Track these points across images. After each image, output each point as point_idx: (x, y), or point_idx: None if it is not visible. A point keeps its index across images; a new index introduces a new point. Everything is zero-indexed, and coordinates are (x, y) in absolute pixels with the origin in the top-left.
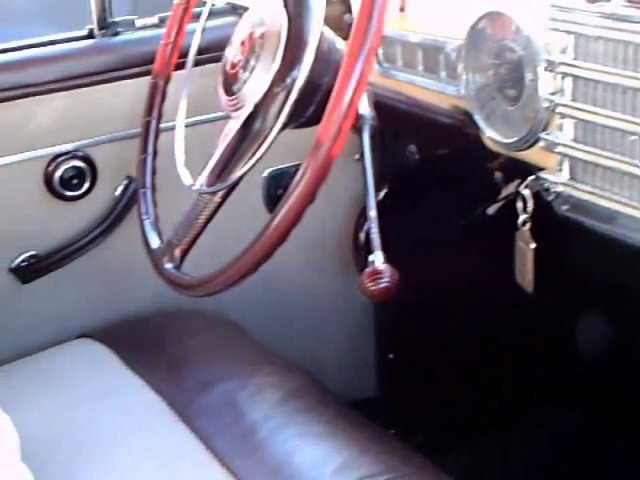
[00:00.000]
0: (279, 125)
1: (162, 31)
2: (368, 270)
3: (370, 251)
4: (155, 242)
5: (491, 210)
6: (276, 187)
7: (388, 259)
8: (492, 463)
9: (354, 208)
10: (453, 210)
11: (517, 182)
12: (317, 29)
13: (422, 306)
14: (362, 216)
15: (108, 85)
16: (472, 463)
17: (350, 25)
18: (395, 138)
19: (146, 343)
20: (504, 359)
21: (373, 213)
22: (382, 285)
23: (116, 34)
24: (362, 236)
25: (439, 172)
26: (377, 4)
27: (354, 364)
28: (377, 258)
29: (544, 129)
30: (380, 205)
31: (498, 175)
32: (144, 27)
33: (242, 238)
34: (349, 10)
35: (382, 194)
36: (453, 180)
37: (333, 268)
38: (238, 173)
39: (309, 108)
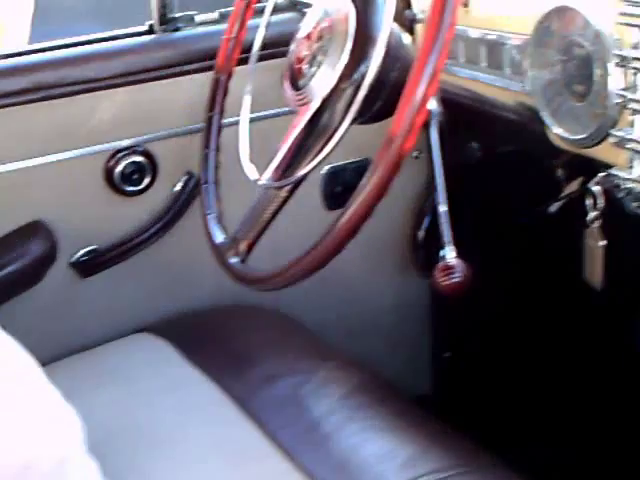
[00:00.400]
0: (348, 121)
1: (222, 27)
2: (440, 265)
3: (429, 248)
4: (219, 237)
5: (553, 208)
6: (335, 184)
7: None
8: (551, 464)
9: (411, 206)
10: (514, 208)
11: (581, 180)
12: (388, 25)
13: (481, 304)
14: (420, 214)
15: (168, 80)
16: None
17: (411, 21)
18: (456, 135)
19: (206, 337)
20: (566, 360)
21: (443, 208)
22: (455, 280)
23: (176, 30)
24: (420, 234)
25: (501, 170)
26: None
27: (410, 361)
28: (449, 253)
29: (613, 125)
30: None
31: (560, 172)
32: (204, 23)
33: (300, 233)
34: (409, 6)
35: None
36: (514, 178)
37: (391, 265)
38: (305, 168)
39: (376, 104)
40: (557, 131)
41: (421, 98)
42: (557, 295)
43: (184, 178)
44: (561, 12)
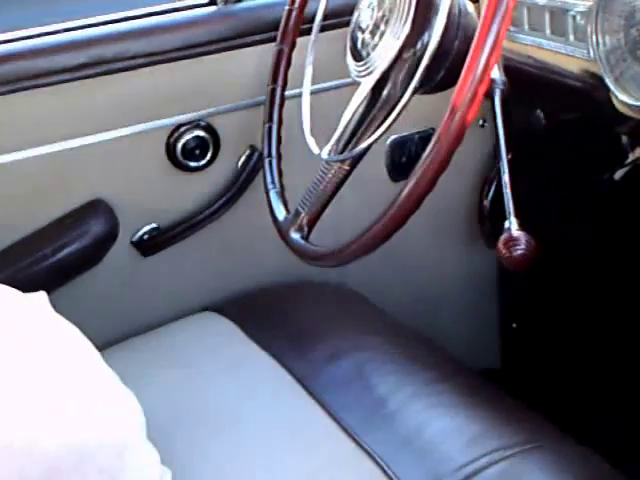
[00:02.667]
0: (410, 91)
1: None
2: (504, 237)
3: (495, 219)
4: (282, 212)
5: (618, 175)
6: (400, 154)
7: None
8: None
9: (477, 176)
10: (580, 176)
11: None
12: None
13: (547, 275)
14: (486, 184)
15: (231, 53)
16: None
17: None
18: (520, 103)
19: (270, 316)
20: (629, 333)
21: (506, 178)
22: (519, 252)
23: (238, 1)
24: (487, 204)
25: (566, 137)
26: None
27: (477, 333)
28: (512, 224)
29: None
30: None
31: (625, 139)
32: None
33: (365, 206)
34: None
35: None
36: (580, 145)
37: (456, 236)
38: (368, 141)
39: (439, 73)
40: (622, 97)
41: (483, 67)
42: (624, 267)
43: (247, 152)
44: None
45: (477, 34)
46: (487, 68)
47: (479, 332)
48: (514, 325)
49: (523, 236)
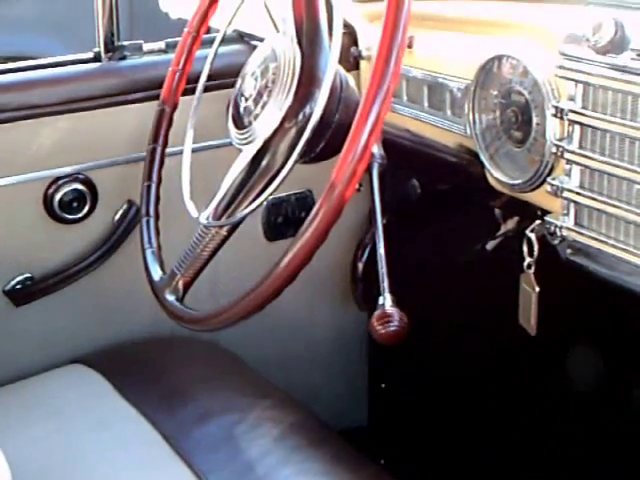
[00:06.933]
0: (291, 162)
1: (169, 56)
2: (377, 313)
3: (367, 282)
4: (157, 273)
5: (490, 246)
6: (276, 215)
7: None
8: None
9: (351, 238)
10: (452, 245)
11: (518, 220)
12: (332, 68)
13: (418, 339)
14: (360, 247)
15: (112, 109)
16: None
17: (356, 58)
18: (396, 171)
19: (140, 371)
20: (498, 401)
21: (382, 251)
22: (392, 329)
23: (123, 58)
24: (360, 267)
25: (440, 207)
26: (395, 47)
27: (347, 393)
28: (386, 301)
29: (550, 173)
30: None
31: (498, 212)
32: (151, 52)
33: (240, 265)
34: (355, 43)
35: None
36: (453, 215)
37: (329, 297)
38: (247, 208)
39: (319, 145)
40: (496, 175)
41: (363, 147)
42: (492, 334)
43: (124, 207)
44: (502, 59)
45: (358, 113)
46: (367, 147)
47: (349, 391)
48: (383, 385)
49: (396, 313)
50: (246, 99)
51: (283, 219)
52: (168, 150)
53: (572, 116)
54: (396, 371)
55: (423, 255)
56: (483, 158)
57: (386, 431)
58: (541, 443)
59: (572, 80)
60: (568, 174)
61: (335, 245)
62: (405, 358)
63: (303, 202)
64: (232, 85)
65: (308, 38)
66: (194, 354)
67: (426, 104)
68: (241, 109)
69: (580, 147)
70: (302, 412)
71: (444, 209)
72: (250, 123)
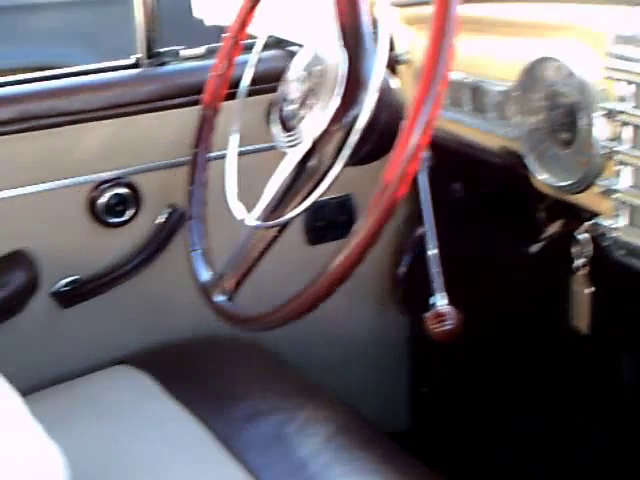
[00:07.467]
0: (340, 164)
1: (208, 62)
2: (432, 312)
3: (409, 286)
4: (205, 274)
5: (534, 248)
6: (317, 219)
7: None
8: None
9: (393, 242)
10: (495, 249)
11: (563, 222)
12: (380, 70)
13: (461, 341)
14: (401, 251)
15: (154, 114)
16: None
17: (394, 62)
18: (439, 175)
19: (186, 371)
20: (547, 405)
21: (434, 252)
22: (447, 327)
23: (162, 64)
24: (401, 270)
25: (484, 211)
26: (445, 47)
27: (387, 397)
28: (440, 300)
29: (598, 174)
30: (422, 240)
31: (541, 214)
32: (191, 57)
33: (282, 268)
34: (392, 47)
35: (421, 230)
36: (496, 219)
37: (371, 301)
38: (295, 210)
39: (365, 147)
40: (541, 177)
41: (414, 147)
42: (540, 337)
43: (167, 211)
44: (547, 62)
45: (409, 115)
46: (418, 148)
47: (389, 395)
48: (424, 389)
49: (451, 311)
50: (291, 102)
51: (323, 223)
52: (212, 154)
53: (623, 117)
54: (437, 375)
55: (464, 259)
56: (528, 160)
57: (426, 436)
58: (591, 447)
59: (624, 80)
60: (618, 175)
61: (375, 249)
62: (447, 361)
63: (343, 206)
64: (270, 90)
65: (353, 40)
66: (238, 355)
67: (469, 107)
68: (286, 112)
69: (633, 147)
70: (350, 413)
71: (486, 212)
72: (296, 126)
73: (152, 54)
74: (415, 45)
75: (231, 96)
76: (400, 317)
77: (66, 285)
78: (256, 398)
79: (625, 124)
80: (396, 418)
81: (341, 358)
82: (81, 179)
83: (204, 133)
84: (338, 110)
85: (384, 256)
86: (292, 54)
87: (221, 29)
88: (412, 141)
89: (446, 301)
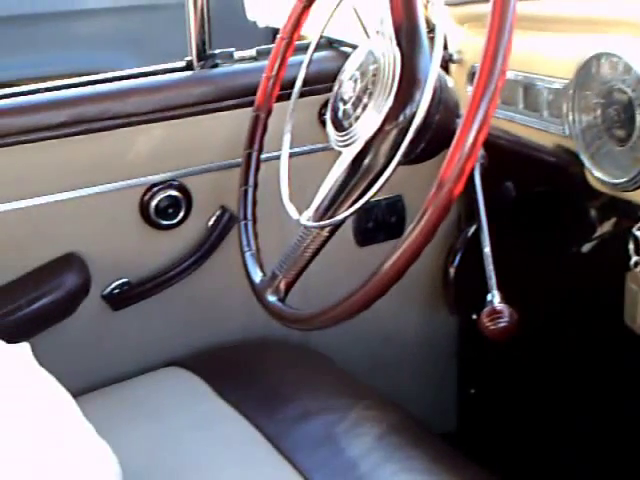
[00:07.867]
0: (395, 163)
1: (260, 64)
2: (487, 310)
3: (459, 286)
4: (257, 275)
5: (588, 245)
6: (366, 220)
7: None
8: None
9: (444, 243)
10: (547, 248)
11: (616, 220)
12: (436, 69)
13: (512, 342)
14: (451, 252)
15: (206, 116)
16: None
17: (447, 61)
18: (491, 174)
19: (236, 372)
20: (599, 408)
21: (488, 250)
22: (501, 325)
23: (215, 66)
24: (451, 270)
25: (535, 210)
26: (503, 44)
27: (435, 398)
28: (495, 297)
29: None
30: (472, 240)
31: (593, 214)
32: (242, 59)
33: (331, 269)
34: (445, 46)
35: (473, 229)
36: (548, 218)
37: (420, 301)
38: (350, 209)
39: (419, 146)
40: (597, 174)
41: (472, 144)
42: (593, 336)
43: (218, 213)
44: (602, 58)
45: (466, 112)
46: (475, 145)
47: (437, 396)
48: (472, 391)
49: (506, 309)
50: (345, 102)
51: (373, 224)
52: (264, 156)
53: None
54: (486, 376)
55: (517, 258)
56: (583, 158)
57: (474, 437)
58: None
59: None
60: None
61: (427, 250)
62: (496, 363)
63: (393, 207)
64: (323, 91)
65: (407, 39)
66: (288, 356)
67: (522, 105)
68: (340, 112)
69: None
70: (400, 413)
71: (539, 211)
72: (350, 125)
73: (203, 56)
74: (467, 44)
75: (283, 97)
76: (449, 317)
77: (117, 287)
78: (305, 398)
79: None
80: (444, 419)
81: (389, 359)
82: (133, 182)
83: (256, 134)
84: (392, 109)
85: (434, 255)
86: (344, 54)
87: (271, 31)
88: (469, 138)
89: (499, 299)
